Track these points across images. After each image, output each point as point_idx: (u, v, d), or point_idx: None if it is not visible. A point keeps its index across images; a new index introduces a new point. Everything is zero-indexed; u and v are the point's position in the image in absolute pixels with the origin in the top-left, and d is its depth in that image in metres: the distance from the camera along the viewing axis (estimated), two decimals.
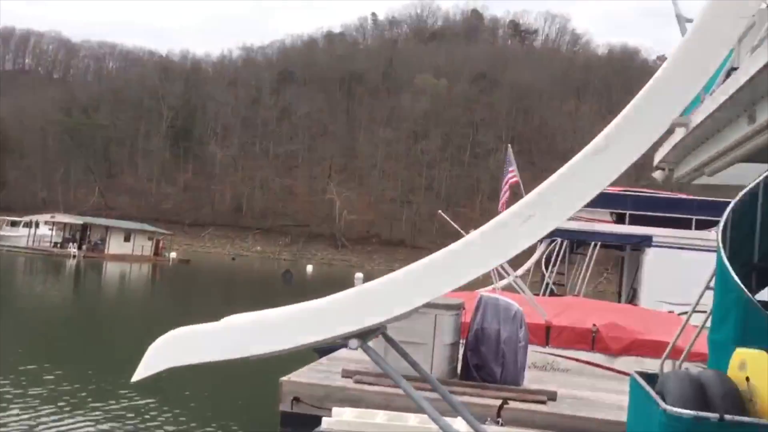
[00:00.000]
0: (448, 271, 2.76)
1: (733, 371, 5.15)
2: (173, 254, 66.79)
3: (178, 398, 11.54)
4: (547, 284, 17.99)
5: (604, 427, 7.95)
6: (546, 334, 10.90)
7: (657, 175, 6.08)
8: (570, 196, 2.65)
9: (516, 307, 9.30)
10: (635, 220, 15.54)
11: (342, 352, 10.43)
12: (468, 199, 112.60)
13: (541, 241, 17.92)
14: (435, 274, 2.77)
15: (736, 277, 5.38)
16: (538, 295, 15.55)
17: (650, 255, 14.72)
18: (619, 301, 17.63)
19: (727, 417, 4.57)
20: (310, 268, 74.28)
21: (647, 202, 15.73)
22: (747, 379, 4.95)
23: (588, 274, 16.78)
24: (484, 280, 14.73)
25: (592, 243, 16.46)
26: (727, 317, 5.50)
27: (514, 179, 17.38)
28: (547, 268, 18.62)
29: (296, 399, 8.49)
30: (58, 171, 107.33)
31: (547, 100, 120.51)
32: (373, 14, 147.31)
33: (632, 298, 16.42)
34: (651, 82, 2.60)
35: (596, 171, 2.63)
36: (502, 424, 8.08)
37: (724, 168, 4.77)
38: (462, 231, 13.40)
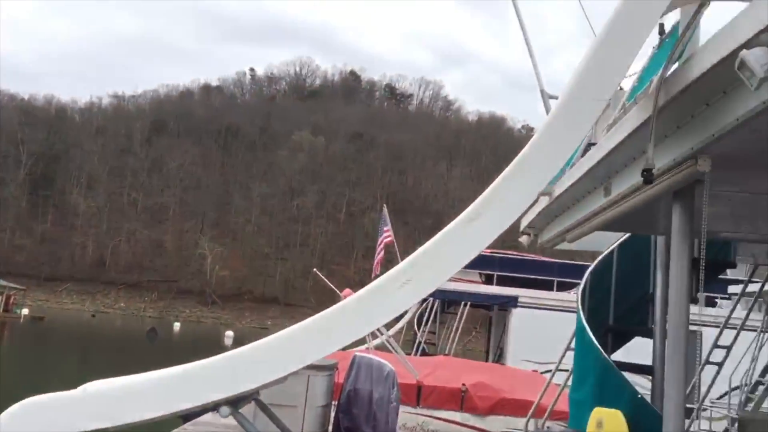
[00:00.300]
0: (324, 336, 2.74)
1: (591, 429, 5.40)
2: (25, 311, 61.98)
3: None
4: (419, 343, 18.22)
5: None
6: (417, 394, 10.96)
7: (523, 239, 6.38)
8: (445, 262, 2.73)
9: (389, 368, 9.30)
10: (502, 281, 16.16)
11: (207, 417, 9.98)
12: (343, 257, 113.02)
13: None
14: (310, 339, 2.74)
15: (594, 339, 5.70)
16: (410, 354, 15.70)
17: (515, 315, 15.31)
18: (487, 360, 18.12)
19: None
20: (177, 326, 71.17)
21: (513, 263, 16.45)
22: None
23: (458, 334, 17.17)
24: (358, 339, 14.74)
25: (462, 303, 16.92)
26: (586, 377, 5.79)
27: (389, 239, 17.65)
28: (419, 328, 18.89)
29: None
30: None
31: (421, 162, 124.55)
32: (252, 69, 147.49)
33: (499, 357, 16.93)
34: (519, 157, 2.75)
35: (469, 238, 2.72)
36: None
37: (583, 235, 5.07)
38: (336, 290, 13.39)
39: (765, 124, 2.63)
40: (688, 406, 7.09)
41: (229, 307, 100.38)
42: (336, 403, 9.32)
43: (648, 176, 3.01)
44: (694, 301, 6.90)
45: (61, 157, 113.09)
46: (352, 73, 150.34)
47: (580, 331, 5.89)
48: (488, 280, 16.53)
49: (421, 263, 2.75)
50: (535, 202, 6.26)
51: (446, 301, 18.37)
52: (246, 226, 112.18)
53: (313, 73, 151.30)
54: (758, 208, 4.07)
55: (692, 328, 7.36)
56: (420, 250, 2.76)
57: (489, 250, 17.20)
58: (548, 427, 5.97)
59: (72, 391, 2.68)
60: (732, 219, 4.41)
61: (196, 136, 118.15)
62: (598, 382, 5.55)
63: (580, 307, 6.12)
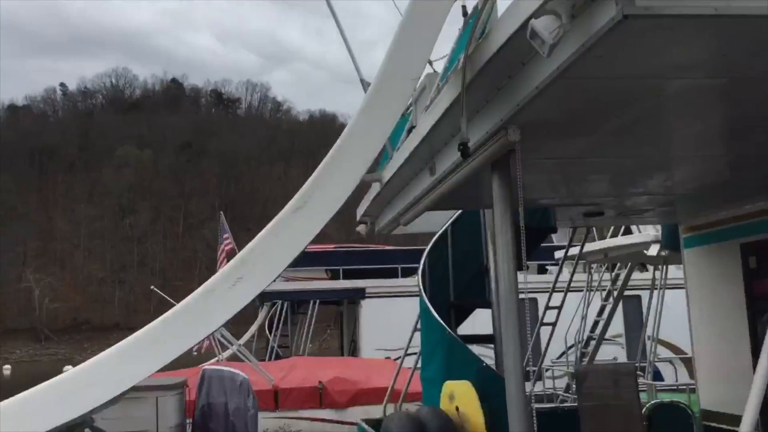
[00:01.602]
0: (156, 347, 2.57)
1: (444, 403, 5.57)
2: None
3: None
4: (273, 348, 17.96)
5: None
6: (275, 399, 10.81)
7: (360, 228, 6.42)
8: (275, 255, 2.65)
9: (241, 376, 9.08)
10: (349, 275, 16.29)
11: None
12: (186, 272, 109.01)
13: (261, 305, 17.90)
14: (142, 353, 2.56)
15: (437, 316, 5.87)
16: (264, 360, 15.42)
17: (364, 306, 15.51)
18: (342, 355, 18.23)
19: None
20: (7, 369, 65.24)
21: (358, 256, 16.64)
22: (457, 408, 5.37)
23: (310, 333, 17.11)
24: (207, 355, 14.20)
25: (311, 301, 16.88)
26: (433, 354, 5.95)
27: (230, 245, 17.20)
28: (271, 332, 18.61)
29: None
30: None
31: (256, 167, 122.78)
32: (63, 85, 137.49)
33: (354, 350, 17.08)
34: (338, 142, 2.74)
35: (298, 229, 2.66)
36: None
37: (415, 217, 5.18)
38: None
39: (561, 90, 2.79)
40: (532, 368, 7.54)
41: (65, 341, 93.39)
42: (191, 421, 8.96)
43: (464, 150, 3.10)
44: (522, 268, 7.34)
45: None
46: (174, 80, 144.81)
47: (423, 312, 6.04)
48: (335, 276, 16.60)
49: (252, 260, 2.65)
50: (368, 189, 6.33)
51: (296, 302, 18.24)
52: (74, 252, 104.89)
53: (131, 83, 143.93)
54: (569, 173, 4.36)
55: (530, 296, 7.82)
56: (248, 246, 2.66)
57: (333, 246, 17.28)
58: (406, 409, 6.08)
59: None
60: (548, 185, 4.69)
61: (6, 161, 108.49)
62: (445, 357, 5.72)
63: (421, 288, 6.28)
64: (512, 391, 3.27)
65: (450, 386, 5.52)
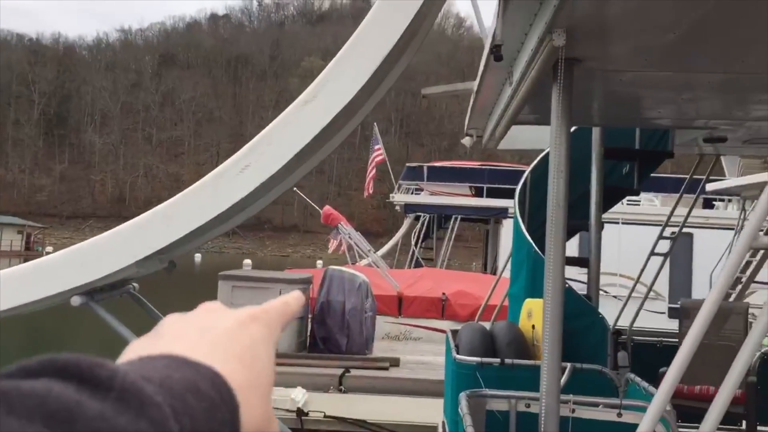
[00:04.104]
0: (167, 224, 2.80)
1: (523, 320, 5.52)
2: (49, 248, 63.39)
3: None
4: (416, 259, 18.45)
5: (439, 387, 8.30)
6: (398, 305, 11.20)
7: (465, 141, 6.32)
8: (282, 145, 2.75)
9: (361, 279, 9.49)
10: (493, 194, 16.15)
11: None
12: (359, 182, 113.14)
13: (406, 216, 18.34)
14: (155, 227, 2.80)
15: (526, 233, 5.75)
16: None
17: (506, 226, 15.37)
18: (485, 273, 18.33)
19: (507, 361, 4.90)
20: (198, 257, 72.55)
21: (502, 175, 16.38)
22: (533, 326, 5.31)
23: (449, 248, 17.32)
24: (340, 258, 14.89)
25: (453, 217, 17.00)
26: (520, 272, 5.87)
27: (380, 158, 17.62)
28: (416, 245, 19.08)
29: None
30: None
31: (435, 82, 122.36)
32: None
33: (494, 269, 17.12)
34: (351, 37, 2.73)
35: (306, 119, 2.73)
36: (344, 392, 8.27)
37: (505, 131, 5.03)
38: (317, 207, 13.49)
39: None
40: (635, 295, 7.18)
41: (250, 237, 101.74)
42: (311, 316, 9.58)
43: (497, 53, 2.96)
44: (634, 192, 6.91)
45: (73, 96, 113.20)
46: None
47: (515, 228, 5.94)
48: (478, 193, 16.52)
49: (259, 149, 2.77)
50: (469, 100, 6.20)
51: (442, 216, 18.46)
52: None
53: None
54: (646, 89, 4.00)
55: (685, 230, 7.36)
56: (258, 136, 2.78)
57: (478, 163, 17.13)
58: (494, 324, 6.09)
59: None
60: (633, 101, 4.34)
61: (205, 67, 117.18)
62: (530, 275, 5.63)
63: (516, 205, 6.15)
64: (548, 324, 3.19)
65: (529, 303, 5.45)
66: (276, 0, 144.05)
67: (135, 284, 3.33)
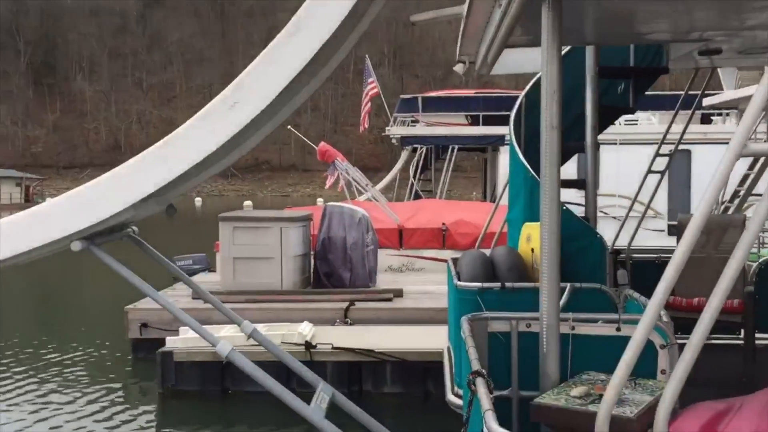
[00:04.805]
0: (160, 165, 2.80)
1: (522, 245, 5.57)
2: (48, 199, 63.51)
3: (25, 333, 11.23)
4: (415, 191, 18.47)
5: (442, 314, 8.45)
6: (399, 238, 11.29)
7: (458, 68, 6.22)
8: (269, 80, 2.72)
9: (361, 213, 9.54)
10: (489, 121, 16.04)
11: (197, 277, 10.44)
12: (355, 117, 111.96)
13: (403, 148, 18.26)
14: (148, 168, 2.80)
15: (522, 157, 5.74)
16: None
17: (503, 153, 15.33)
18: (484, 201, 18.39)
19: (508, 285, 4.97)
20: (198, 200, 72.66)
21: (498, 102, 16.24)
22: (532, 250, 5.36)
23: (448, 178, 17.32)
24: (340, 196, 14.89)
25: (450, 147, 16.94)
26: (517, 197, 5.89)
27: (374, 91, 17.43)
28: (415, 177, 19.07)
29: (144, 325, 8.51)
30: None
31: (426, 10, 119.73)
32: None
33: (493, 197, 17.16)
34: None
35: (291, 54, 2.69)
36: (350, 324, 8.43)
37: (497, 56, 4.95)
38: (312, 144, 13.41)
39: None
40: (633, 214, 7.22)
41: (248, 179, 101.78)
42: (313, 252, 9.67)
43: None
44: (630, 111, 6.85)
45: (59, 43, 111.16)
46: None
47: (512, 152, 5.92)
48: (474, 122, 16.41)
49: (247, 85, 2.75)
50: (459, 25, 6.08)
51: (440, 147, 18.38)
52: None
53: None
54: None
55: (681, 147, 7.32)
56: (244, 72, 2.75)
57: (473, 91, 16.94)
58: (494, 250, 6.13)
59: None
60: (627, 15, 4.25)
61: (191, 7, 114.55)
62: (527, 200, 5.64)
63: (511, 129, 6.12)
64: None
65: (528, 227, 5.49)
66: None
67: (134, 227, 3.34)
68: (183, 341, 7.37)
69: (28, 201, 61.65)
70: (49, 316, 13.27)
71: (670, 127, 6.80)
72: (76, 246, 2.83)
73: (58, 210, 2.76)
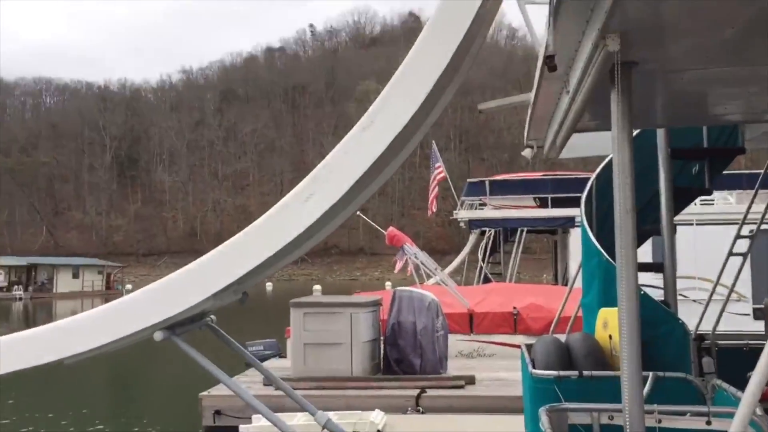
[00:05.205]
0: (240, 256, 2.88)
1: (599, 331, 5.40)
2: (129, 286, 65.65)
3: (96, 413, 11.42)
4: (484, 275, 18.28)
5: (516, 403, 8.17)
6: (470, 322, 11.11)
7: (526, 153, 6.26)
8: (343, 172, 2.80)
9: (430, 298, 9.47)
10: (558, 203, 15.90)
11: (268, 363, 10.49)
12: (423, 201, 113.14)
13: (471, 232, 18.21)
14: (223, 263, 2.89)
15: (595, 241, 5.64)
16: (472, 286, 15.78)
17: (573, 235, 15.09)
18: (556, 284, 18.00)
19: (585, 373, 4.80)
20: (269, 285, 73.76)
21: (567, 183, 16.11)
22: (610, 336, 5.19)
23: (518, 260, 17.10)
24: (408, 280, 14.88)
25: (519, 229, 16.80)
26: (592, 281, 5.75)
27: (442, 175, 17.63)
28: (484, 260, 18.91)
29: (218, 412, 8.52)
30: (2, 213, 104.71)
31: (491, 95, 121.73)
32: (311, 26, 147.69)
33: (565, 280, 16.80)
34: (405, 60, 2.76)
35: (365, 146, 2.78)
36: (422, 412, 8.24)
37: (566, 140, 4.97)
38: (380, 229, 13.54)
39: None
40: (716, 298, 6.91)
41: (318, 263, 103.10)
42: (383, 338, 9.60)
43: (551, 63, 2.95)
44: (706, 192, 6.68)
45: (141, 137, 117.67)
46: (411, 13, 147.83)
47: (584, 237, 5.83)
48: (543, 204, 16.29)
49: (322, 178, 2.83)
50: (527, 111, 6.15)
51: (508, 230, 18.26)
52: None
53: (371, 20, 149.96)
54: (709, 86, 3.89)
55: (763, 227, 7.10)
56: (319, 165, 2.84)
57: (541, 173, 16.91)
58: (569, 336, 5.97)
59: (27, 330, 2.95)
60: (691, 100, 4.22)
61: (264, 99, 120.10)
62: (602, 284, 5.51)
63: (583, 212, 6.05)
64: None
65: (604, 313, 5.33)
66: (328, 28, 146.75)
67: (212, 316, 3.42)
68: (256, 429, 7.34)
69: (109, 288, 64.01)
70: (124, 402, 13.54)
71: (750, 207, 6.58)
72: (158, 336, 2.91)
73: (141, 301, 2.86)
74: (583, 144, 6.18)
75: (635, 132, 6.47)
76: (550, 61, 2.91)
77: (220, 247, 2.88)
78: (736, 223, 6.43)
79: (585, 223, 5.90)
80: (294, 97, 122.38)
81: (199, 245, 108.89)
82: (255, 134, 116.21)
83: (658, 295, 5.79)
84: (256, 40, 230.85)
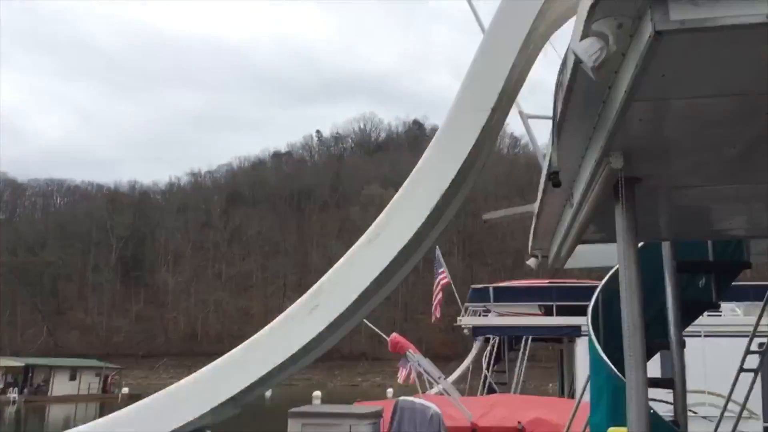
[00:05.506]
0: (242, 369, 2.83)
1: None
2: (125, 390, 64.16)
3: None
4: (489, 384, 17.84)
5: None
6: None
7: (531, 262, 6.27)
8: (349, 285, 2.79)
9: (433, 410, 9.19)
10: (563, 311, 15.73)
11: None
12: (426, 306, 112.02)
13: (474, 339, 17.93)
14: (227, 375, 2.83)
15: (603, 354, 5.54)
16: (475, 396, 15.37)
17: (580, 345, 14.84)
18: (561, 395, 17.54)
19: None
20: (268, 392, 71.92)
21: (572, 292, 16.00)
22: None
23: (523, 370, 16.74)
24: (410, 387, 14.54)
25: (524, 337, 16.55)
26: (601, 397, 5.60)
27: (445, 281, 17.57)
28: (488, 369, 18.52)
29: None
30: (4, 313, 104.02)
31: (494, 202, 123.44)
32: (318, 132, 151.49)
33: (571, 391, 16.36)
34: (411, 175, 2.82)
35: (370, 259, 2.79)
36: None
37: (571, 251, 4.99)
38: (383, 335, 13.32)
39: (642, 112, 2.62)
40: (727, 414, 6.70)
41: (319, 367, 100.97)
42: None
43: (555, 179, 3.00)
44: (714, 306, 6.61)
45: (147, 238, 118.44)
46: (415, 121, 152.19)
47: (592, 351, 5.73)
48: (548, 312, 16.12)
49: (327, 289, 2.82)
50: (531, 221, 6.19)
51: (513, 338, 17.98)
52: None
53: (377, 127, 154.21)
54: (711, 203, 3.94)
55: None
56: (325, 276, 2.84)
57: (546, 281, 16.83)
58: None
59: None
60: (692, 216, 4.26)
61: (270, 202, 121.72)
62: (611, 402, 5.37)
63: (590, 326, 5.97)
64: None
65: None
66: (335, 134, 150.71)
67: (209, 430, 3.33)
68: None
69: (105, 391, 62.53)
70: None
71: (759, 320, 6.50)
72: None
73: (140, 416, 2.79)
74: (588, 254, 6.20)
75: (642, 244, 6.49)
76: (554, 177, 2.96)
77: (222, 359, 2.83)
78: (745, 335, 6.33)
79: (592, 336, 5.82)
80: (299, 200, 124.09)
81: (199, 347, 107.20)
82: (260, 236, 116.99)
83: (667, 410, 5.62)
84: (265, 144, 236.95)
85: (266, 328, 2.83)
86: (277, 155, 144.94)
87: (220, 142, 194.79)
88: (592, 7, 2.06)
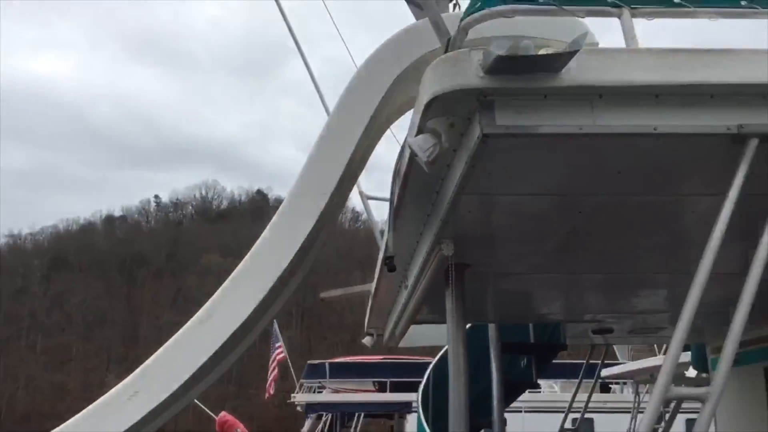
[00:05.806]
0: None
1: None
2: None
3: None
4: None
5: None
6: None
7: (366, 341, 6.32)
8: (175, 368, 2.66)
9: None
10: (396, 387, 15.92)
11: None
12: (260, 381, 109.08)
13: (306, 416, 17.61)
14: None
15: None
16: None
17: (410, 421, 15.02)
18: None
19: None
20: None
21: (406, 368, 16.27)
22: None
23: None
24: None
25: (357, 414, 16.52)
26: None
27: (282, 356, 17.23)
28: None
29: None
30: None
31: (334, 275, 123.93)
32: (156, 197, 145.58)
33: None
34: (249, 253, 2.78)
35: (202, 340, 2.68)
36: None
37: (405, 331, 5.09)
38: (212, 414, 12.75)
39: (472, 205, 2.76)
40: None
41: None
42: None
43: (390, 264, 3.07)
44: (534, 386, 7.00)
45: None
46: (259, 191, 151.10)
47: (420, 430, 5.82)
48: (382, 388, 16.23)
49: (150, 373, 2.66)
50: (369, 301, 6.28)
51: (345, 414, 17.86)
52: None
53: (219, 195, 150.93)
54: (537, 288, 4.21)
55: (586, 416, 7.38)
56: (150, 358, 2.68)
57: (380, 357, 17.01)
58: None
59: None
60: (521, 301, 4.54)
61: (99, 269, 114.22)
62: None
63: (420, 404, 6.08)
64: None
65: None
66: (174, 200, 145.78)
67: None
68: None
69: None
70: None
71: (574, 397, 6.94)
72: None
73: None
74: (422, 334, 6.36)
75: (470, 325, 6.77)
76: (389, 263, 3.04)
77: None
78: (561, 411, 6.72)
79: (421, 415, 5.92)
80: (132, 267, 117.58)
81: (3, 428, 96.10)
82: (84, 305, 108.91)
83: None
84: (97, 207, 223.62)
85: (78, 416, 2.61)
86: (110, 219, 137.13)
87: (47, 202, 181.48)
88: (427, 106, 2.18)
